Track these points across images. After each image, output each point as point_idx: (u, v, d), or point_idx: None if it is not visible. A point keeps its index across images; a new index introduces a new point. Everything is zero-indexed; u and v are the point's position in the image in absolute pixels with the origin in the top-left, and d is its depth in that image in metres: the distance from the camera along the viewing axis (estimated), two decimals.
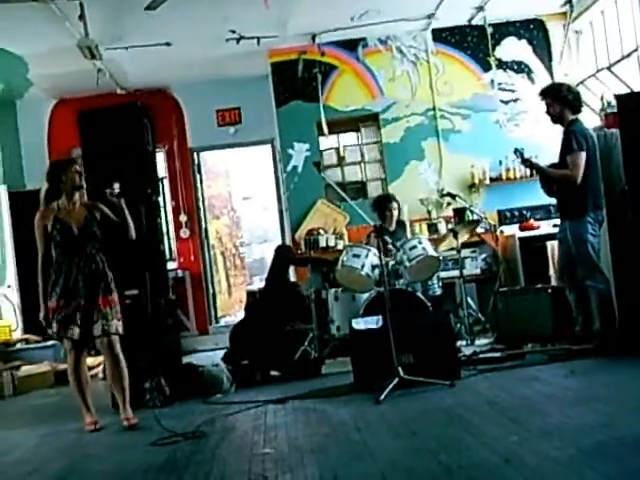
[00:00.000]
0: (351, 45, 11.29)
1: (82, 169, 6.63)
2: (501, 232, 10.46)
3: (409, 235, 9.75)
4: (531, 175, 9.57)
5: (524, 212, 10.64)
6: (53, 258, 6.38)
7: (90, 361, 10.33)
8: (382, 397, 6.11)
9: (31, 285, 11.71)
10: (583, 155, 7.21)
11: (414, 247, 8.52)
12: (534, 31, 11.31)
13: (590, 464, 3.90)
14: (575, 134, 7.25)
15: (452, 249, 9.44)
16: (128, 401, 6.43)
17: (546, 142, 9.74)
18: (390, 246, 8.61)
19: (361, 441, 5.02)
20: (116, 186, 6.52)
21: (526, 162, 7.79)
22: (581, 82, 10.46)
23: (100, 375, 9.12)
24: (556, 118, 7.49)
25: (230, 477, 4.56)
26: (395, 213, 9.54)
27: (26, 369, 9.73)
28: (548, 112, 7.52)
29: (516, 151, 7.86)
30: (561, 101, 7.42)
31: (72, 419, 6.69)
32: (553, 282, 8.91)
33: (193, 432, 5.79)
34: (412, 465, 4.29)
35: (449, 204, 10.84)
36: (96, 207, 6.53)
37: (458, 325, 8.91)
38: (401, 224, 9.84)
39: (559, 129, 7.60)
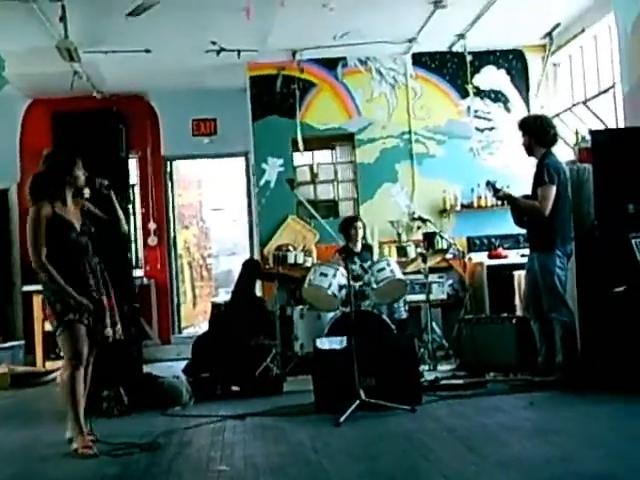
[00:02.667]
0: (331, 64, 11.30)
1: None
2: (469, 259, 10.51)
3: (375, 258, 9.73)
4: (502, 204, 9.59)
5: (493, 240, 10.72)
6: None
7: (49, 365, 10.29)
8: (342, 419, 6.07)
9: None
10: (553, 189, 7.25)
11: (382, 269, 8.53)
12: (513, 61, 11.38)
13: None
14: (548, 167, 7.30)
15: (419, 272, 9.44)
16: None
17: (520, 172, 9.78)
18: (357, 267, 8.59)
19: (318, 463, 5.00)
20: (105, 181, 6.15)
21: (498, 193, 7.84)
22: (556, 115, 10.51)
23: (58, 380, 9.01)
24: (527, 150, 7.58)
25: None
26: (360, 232, 9.55)
27: None
28: (522, 144, 7.60)
29: (488, 183, 7.93)
30: (529, 133, 7.52)
31: (27, 423, 6.61)
32: (518, 312, 8.96)
33: (150, 444, 5.73)
34: None
35: (419, 228, 10.85)
36: (84, 205, 6.06)
37: (421, 350, 8.89)
38: (367, 247, 9.86)
39: (533, 160, 7.66)
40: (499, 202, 10.18)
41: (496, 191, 7.82)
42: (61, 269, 5.76)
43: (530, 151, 7.57)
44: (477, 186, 10.75)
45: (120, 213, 6.27)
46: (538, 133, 7.49)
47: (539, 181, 7.36)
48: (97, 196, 6.20)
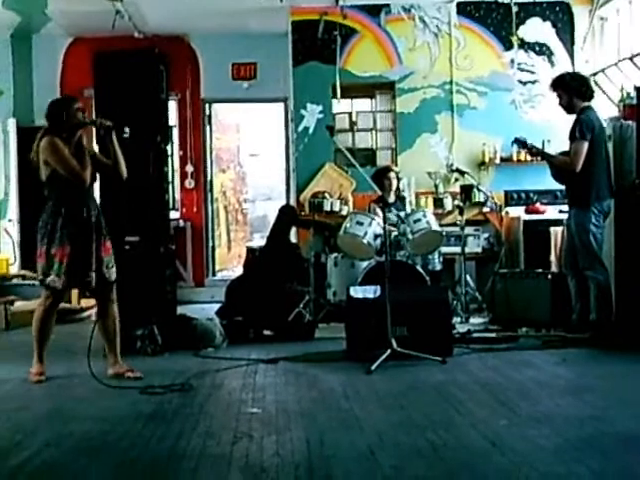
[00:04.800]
0: (374, 10, 11.14)
1: (83, 107, 6.23)
2: (506, 213, 10.43)
3: (408, 209, 9.69)
4: (542, 159, 9.52)
5: (531, 195, 10.61)
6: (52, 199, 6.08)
7: (84, 302, 10.39)
8: (373, 367, 6.11)
9: (32, 221, 11.84)
10: (585, 144, 7.18)
11: (418, 220, 8.51)
12: (559, 14, 11.16)
13: (577, 456, 3.91)
14: (581, 122, 7.25)
15: (455, 225, 9.41)
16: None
17: (561, 127, 9.55)
18: (393, 217, 8.59)
19: (350, 410, 5.04)
20: (109, 122, 6.18)
21: (532, 150, 7.83)
22: (601, 70, 10.38)
23: (93, 317, 9.10)
24: (568, 108, 7.48)
25: (216, 433, 4.56)
26: (394, 183, 9.51)
27: (20, 304, 9.72)
28: (560, 104, 7.52)
29: (516, 141, 7.89)
30: (567, 90, 7.44)
31: (62, 360, 6.69)
32: (553, 268, 8.92)
33: (181, 384, 5.80)
34: (399, 439, 4.31)
35: (457, 180, 10.76)
36: (91, 150, 6.28)
37: (454, 302, 8.88)
38: (401, 198, 9.81)
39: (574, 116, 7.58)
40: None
41: (526, 147, 7.80)
42: (57, 210, 6.02)
43: (570, 108, 7.47)
44: None
45: (120, 157, 6.28)
46: (578, 87, 7.43)
47: (572, 137, 7.31)
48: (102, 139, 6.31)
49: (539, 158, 8.27)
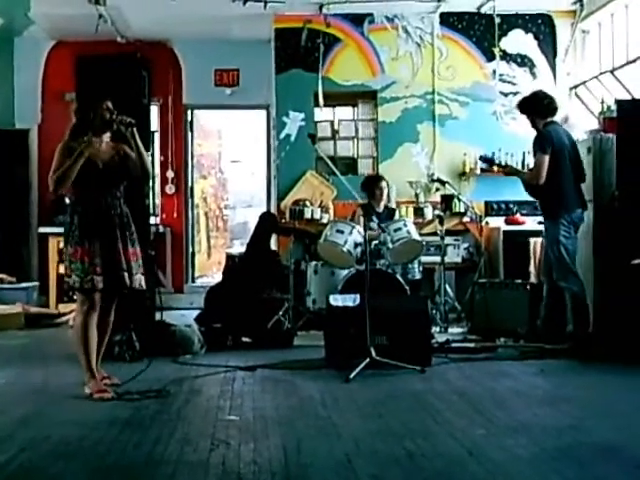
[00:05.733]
0: (357, 19, 11.16)
1: (112, 107, 6.00)
2: (486, 223, 10.46)
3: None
4: (512, 174, 9.58)
5: (511, 206, 10.66)
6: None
7: (62, 307, 10.35)
8: (352, 376, 6.11)
9: (6, 224, 11.75)
10: (545, 157, 7.31)
11: (399, 229, 8.52)
12: (542, 26, 11.22)
13: (554, 466, 3.93)
14: (540, 137, 7.46)
15: (435, 234, 9.43)
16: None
17: None
18: (374, 226, 8.59)
19: (327, 417, 5.04)
20: (129, 119, 5.99)
21: (501, 166, 8.00)
22: (583, 83, 10.45)
23: (71, 322, 9.07)
24: (535, 128, 7.62)
25: (194, 440, 4.54)
26: (385, 192, 9.50)
27: None
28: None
29: (481, 158, 8.01)
30: (527, 112, 7.63)
31: (39, 364, 6.66)
32: (532, 278, 8.97)
33: (159, 390, 5.77)
34: (376, 448, 4.31)
35: (437, 190, 10.79)
36: (119, 147, 6.02)
37: (434, 311, 8.89)
38: (390, 209, 9.79)
39: None
40: (519, 167, 10.17)
41: (493, 164, 7.95)
42: (78, 208, 5.85)
43: (537, 128, 7.60)
44: (498, 150, 10.66)
45: (143, 152, 6.11)
46: (534, 108, 7.63)
47: (534, 151, 7.46)
48: (120, 135, 6.10)
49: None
